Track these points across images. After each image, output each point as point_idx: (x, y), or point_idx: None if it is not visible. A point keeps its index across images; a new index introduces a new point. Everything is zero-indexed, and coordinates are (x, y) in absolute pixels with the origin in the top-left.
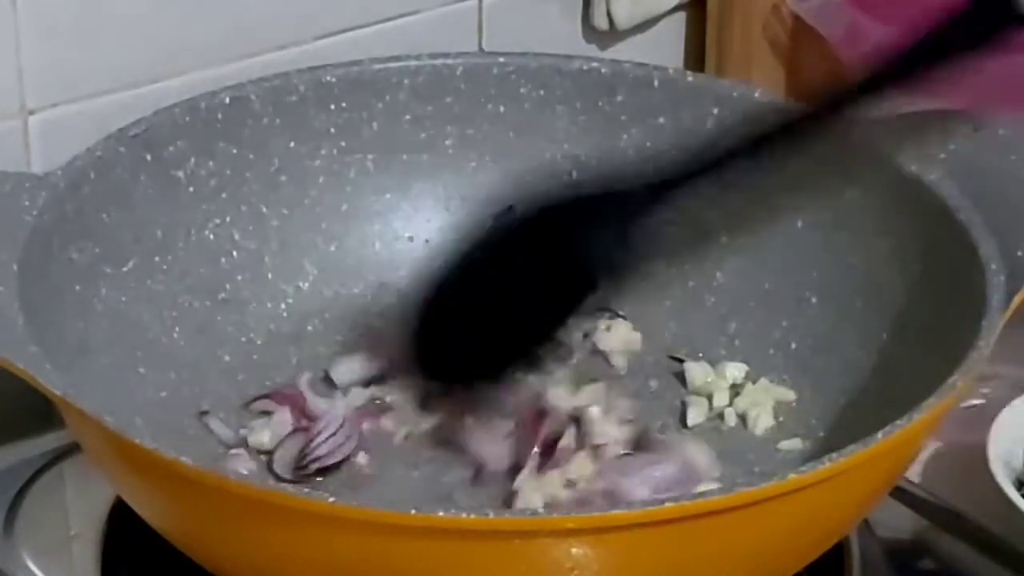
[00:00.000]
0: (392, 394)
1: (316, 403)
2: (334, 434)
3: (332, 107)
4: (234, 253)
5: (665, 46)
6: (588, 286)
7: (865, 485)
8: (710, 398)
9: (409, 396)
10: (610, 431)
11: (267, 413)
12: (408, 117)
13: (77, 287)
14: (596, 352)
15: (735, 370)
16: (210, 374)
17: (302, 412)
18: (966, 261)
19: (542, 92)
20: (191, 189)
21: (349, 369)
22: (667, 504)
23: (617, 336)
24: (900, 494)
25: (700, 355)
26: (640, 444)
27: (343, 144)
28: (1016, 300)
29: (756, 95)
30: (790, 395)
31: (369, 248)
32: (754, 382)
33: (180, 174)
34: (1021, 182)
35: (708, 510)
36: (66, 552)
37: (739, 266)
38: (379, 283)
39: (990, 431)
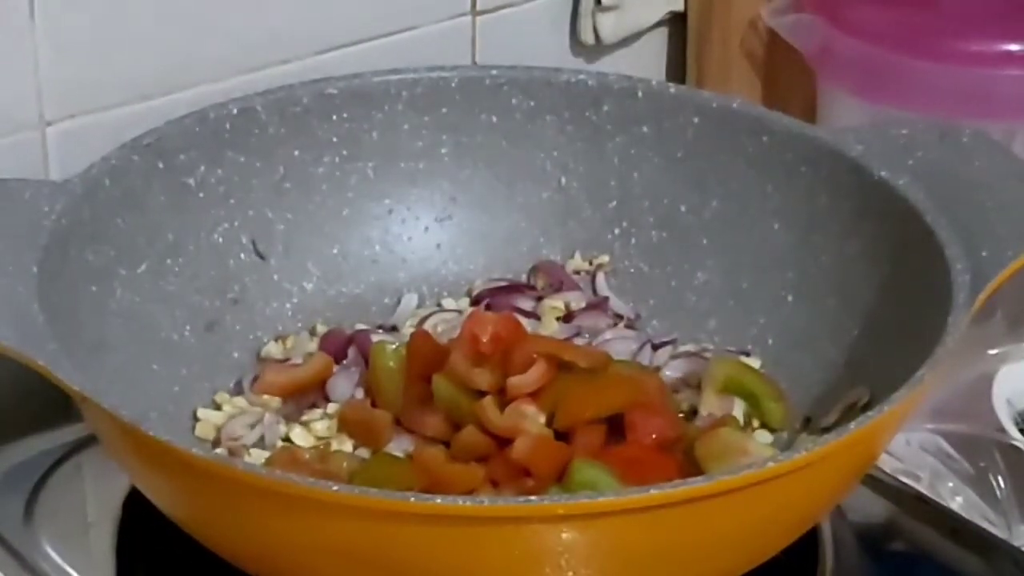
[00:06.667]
0: None
1: None
2: None
3: (334, 117)
4: (242, 255)
5: (648, 59)
6: None
7: (839, 473)
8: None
9: None
10: None
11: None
12: (406, 127)
13: (93, 288)
14: None
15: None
16: (220, 370)
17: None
18: (933, 261)
19: (532, 103)
20: (201, 195)
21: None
22: (652, 491)
23: None
24: (871, 481)
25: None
26: None
27: (344, 152)
28: (980, 298)
29: (735, 105)
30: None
31: (369, 250)
32: None
33: (190, 181)
34: (984, 187)
35: (691, 496)
36: (83, 539)
37: (719, 266)
38: (379, 283)
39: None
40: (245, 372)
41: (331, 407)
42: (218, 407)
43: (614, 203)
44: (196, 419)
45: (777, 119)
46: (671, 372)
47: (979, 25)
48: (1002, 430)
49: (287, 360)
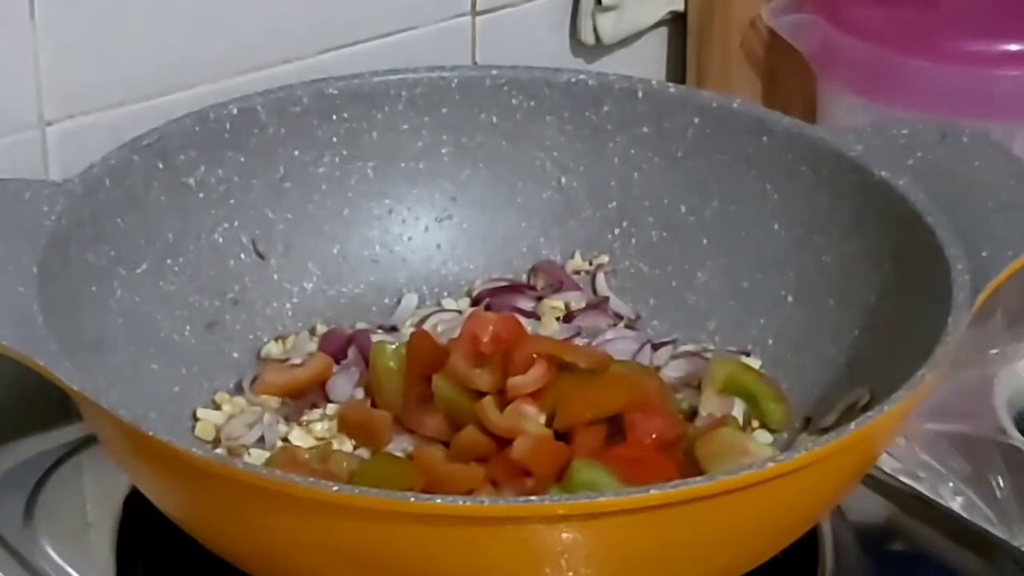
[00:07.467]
0: None
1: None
2: None
3: (334, 117)
4: (242, 255)
5: (648, 59)
6: None
7: (839, 473)
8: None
9: None
10: None
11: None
12: (406, 127)
13: (93, 288)
14: None
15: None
16: (220, 370)
17: None
18: (933, 261)
19: (532, 103)
20: (201, 195)
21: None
22: (652, 491)
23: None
24: (871, 481)
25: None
26: None
27: (344, 152)
28: (980, 298)
29: (735, 105)
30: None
31: (369, 250)
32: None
33: (190, 181)
34: (984, 187)
35: (691, 496)
36: (83, 539)
37: (719, 266)
38: (379, 283)
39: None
40: (245, 372)
41: (331, 407)
42: (218, 407)
43: (614, 203)
44: (196, 419)
45: (777, 119)
46: (671, 372)
47: (979, 25)
48: (1002, 430)
49: (287, 360)
